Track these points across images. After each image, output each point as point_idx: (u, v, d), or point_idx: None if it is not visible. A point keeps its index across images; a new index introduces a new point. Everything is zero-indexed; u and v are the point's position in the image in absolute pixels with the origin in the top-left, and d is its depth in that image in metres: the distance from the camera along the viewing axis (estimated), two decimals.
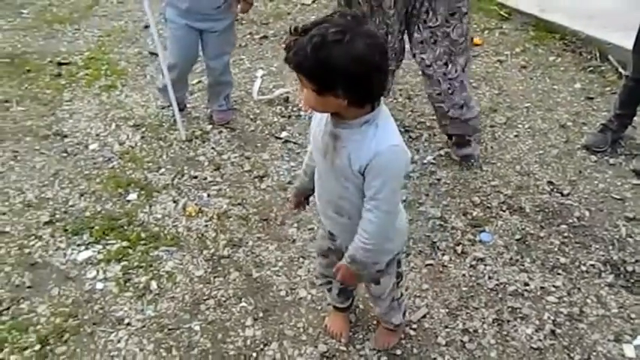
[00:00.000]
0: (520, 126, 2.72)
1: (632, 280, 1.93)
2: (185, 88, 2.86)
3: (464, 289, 1.93)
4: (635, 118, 2.57)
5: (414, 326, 1.81)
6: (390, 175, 1.23)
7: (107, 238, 2.16)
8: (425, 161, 2.52)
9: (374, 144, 1.20)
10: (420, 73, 2.38)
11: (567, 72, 3.12)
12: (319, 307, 1.88)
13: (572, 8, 3.54)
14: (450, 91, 2.26)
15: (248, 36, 3.72)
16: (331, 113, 1.24)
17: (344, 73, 1.09)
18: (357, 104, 1.18)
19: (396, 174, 1.25)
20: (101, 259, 2.07)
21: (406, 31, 2.26)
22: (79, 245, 2.13)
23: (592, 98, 2.89)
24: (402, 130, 2.68)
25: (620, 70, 2.92)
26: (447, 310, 1.86)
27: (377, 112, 1.22)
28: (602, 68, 3.10)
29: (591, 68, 3.12)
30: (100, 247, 2.13)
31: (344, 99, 1.14)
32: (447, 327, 1.80)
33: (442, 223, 2.19)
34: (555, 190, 2.33)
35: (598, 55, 3.16)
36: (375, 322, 1.81)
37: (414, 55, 2.29)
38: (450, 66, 2.20)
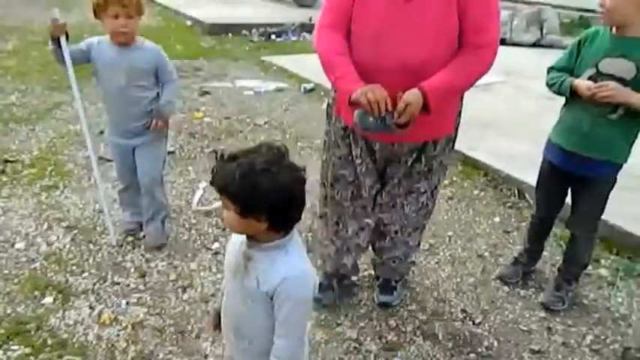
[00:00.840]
0: (441, 253, 2.87)
1: None
2: (138, 211, 2.77)
3: None
4: (545, 253, 2.78)
5: None
6: (298, 300, 1.30)
7: (10, 343, 2.08)
8: None
9: (283, 269, 1.28)
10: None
11: (489, 206, 3.38)
12: None
13: (496, 149, 3.93)
14: (390, 247, 2.30)
15: (198, 149, 3.91)
16: (247, 235, 1.34)
17: (269, 199, 1.21)
18: (275, 229, 1.28)
19: (304, 299, 1.32)
20: None
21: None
22: None
23: (509, 232, 3.11)
24: None
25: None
26: None
27: (289, 238, 1.32)
28: (520, 205, 3.37)
29: (510, 204, 3.39)
30: (1, 352, 2.03)
31: (264, 222, 1.25)
32: None
33: (357, 345, 2.22)
34: (468, 318, 2.41)
35: (516, 192, 3.46)
36: None
37: (376, 222, 2.25)
38: (399, 234, 2.25)
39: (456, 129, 2.12)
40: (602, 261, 2.84)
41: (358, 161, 2.07)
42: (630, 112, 2.09)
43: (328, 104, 2.16)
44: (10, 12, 7.98)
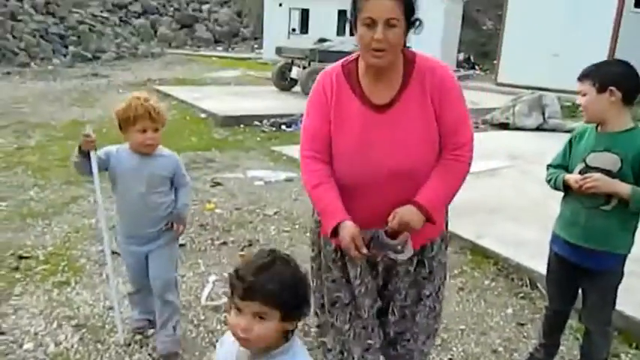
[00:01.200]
0: (454, 349, 2.80)
1: None
2: (148, 309, 2.76)
3: None
4: (562, 348, 2.69)
5: None
6: None
7: None
8: None
9: None
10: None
11: (501, 296, 3.33)
12: None
13: (504, 236, 3.93)
14: (404, 356, 2.20)
15: (209, 241, 3.96)
16: None
17: (307, 298, 1.40)
18: (288, 333, 1.38)
19: None
20: None
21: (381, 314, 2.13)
22: None
23: (523, 324, 3.04)
24: None
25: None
26: None
27: (291, 341, 1.39)
28: (532, 295, 3.32)
29: (522, 294, 3.33)
30: None
31: (296, 324, 1.38)
32: None
33: None
34: None
35: (528, 282, 3.41)
36: None
37: (386, 334, 2.16)
38: (411, 341, 2.17)
39: (446, 225, 2.15)
40: (622, 355, 2.74)
41: (357, 282, 2.02)
42: (624, 203, 2.13)
43: (311, 229, 2.13)
44: (35, 110, 8.46)
